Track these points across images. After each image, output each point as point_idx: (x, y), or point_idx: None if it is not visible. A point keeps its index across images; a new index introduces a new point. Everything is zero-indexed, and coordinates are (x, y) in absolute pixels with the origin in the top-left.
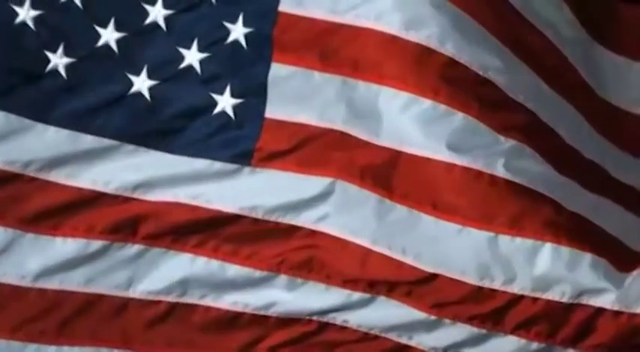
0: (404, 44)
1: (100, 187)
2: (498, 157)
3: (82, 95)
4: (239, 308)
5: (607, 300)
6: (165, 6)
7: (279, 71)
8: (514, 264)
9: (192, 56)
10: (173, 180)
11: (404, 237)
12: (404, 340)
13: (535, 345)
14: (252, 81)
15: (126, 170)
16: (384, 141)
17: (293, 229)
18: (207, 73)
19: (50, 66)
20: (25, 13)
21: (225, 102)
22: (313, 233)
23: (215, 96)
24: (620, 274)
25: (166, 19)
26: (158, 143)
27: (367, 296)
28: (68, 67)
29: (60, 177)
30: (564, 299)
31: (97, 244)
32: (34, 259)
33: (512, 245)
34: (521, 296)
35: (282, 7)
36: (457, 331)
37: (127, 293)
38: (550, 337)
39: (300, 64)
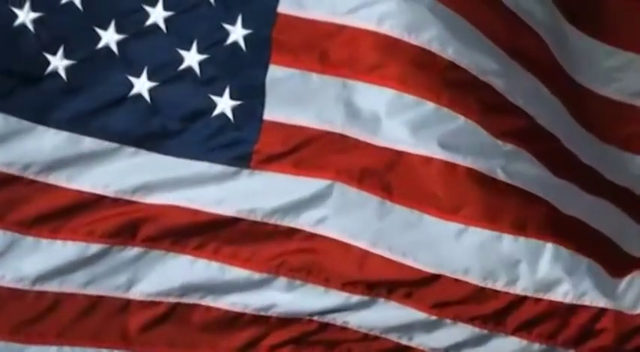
0: (406, 47)
1: (99, 190)
2: (497, 160)
3: (82, 97)
4: (239, 309)
5: (606, 304)
6: (166, 7)
7: (277, 73)
8: (517, 264)
9: (192, 58)
10: (173, 183)
11: (405, 238)
12: (404, 341)
13: (537, 346)
14: (251, 83)
15: (126, 173)
16: (384, 142)
17: (292, 231)
18: (206, 75)
19: (50, 68)
20: (25, 16)
21: (225, 104)
22: (312, 235)
23: (214, 98)
24: (614, 280)
25: (166, 20)
26: (158, 145)
27: (366, 298)
28: (68, 69)
29: (60, 179)
30: (567, 300)
31: (96, 247)
32: (34, 262)
33: (515, 245)
34: (524, 297)
35: (282, 9)
36: (458, 331)
37: (127, 295)
38: (551, 338)
39: (299, 66)
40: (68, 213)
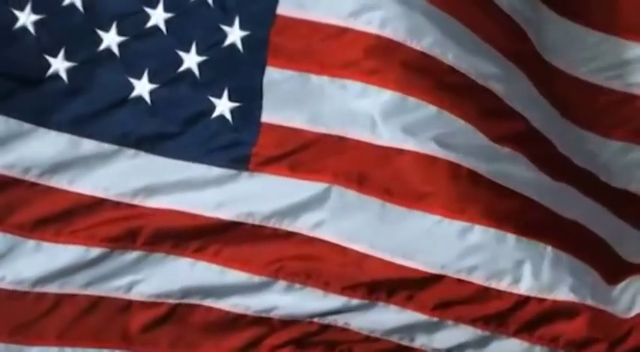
0: (407, 51)
1: (100, 193)
2: (495, 163)
3: (84, 99)
4: (240, 310)
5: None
6: (166, 9)
7: (274, 75)
8: (521, 264)
9: (191, 59)
10: (173, 186)
11: (407, 239)
12: (406, 342)
13: (538, 349)
14: (248, 84)
15: (126, 175)
16: (383, 143)
17: (290, 235)
18: (205, 77)
19: (51, 70)
20: (26, 18)
21: (224, 106)
22: (311, 239)
23: (213, 99)
24: (608, 288)
25: (167, 22)
26: (158, 147)
27: (366, 302)
28: (69, 71)
29: (62, 182)
30: (567, 304)
31: (97, 251)
32: (35, 265)
33: (518, 245)
34: (527, 298)
35: (281, 10)
36: (460, 332)
37: (129, 296)
38: (553, 341)
39: (297, 68)
40: (69, 217)
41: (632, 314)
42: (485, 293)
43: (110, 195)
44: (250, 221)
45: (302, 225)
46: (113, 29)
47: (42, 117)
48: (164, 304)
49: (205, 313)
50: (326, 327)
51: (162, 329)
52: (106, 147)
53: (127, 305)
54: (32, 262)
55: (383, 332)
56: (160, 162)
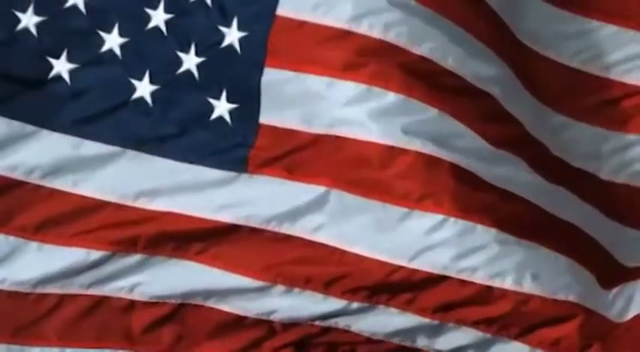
0: (409, 55)
1: (102, 196)
2: (495, 166)
3: (86, 101)
4: (241, 313)
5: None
6: (166, 10)
7: (272, 76)
8: (522, 264)
9: (191, 60)
10: (174, 188)
11: (407, 240)
12: (408, 343)
13: None
14: (246, 86)
15: (128, 178)
16: (384, 143)
17: (290, 239)
18: (203, 78)
19: (54, 72)
20: (28, 19)
21: (222, 107)
22: (310, 243)
23: (212, 101)
24: (603, 291)
25: (167, 22)
26: (159, 149)
27: (366, 305)
28: (72, 73)
29: (65, 184)
30: (568, 301)
31: (99, 254)
32: (37, 267)
33: (520, 246)
34: (528, 299)
35: (281, 11)
36: (462, 335)
37: (131, 296)
38: (554, 345)
39: (296, 69)
40: (72, 219)
41: (625, 319)
42: (487, 294)
43: (113, 197)
44: (250, 224)
45: (301, 229)
46: (115, 30)
47: (45, 119)
48: (166, 304)
49: (207, 313)
50: (327, 329)
51: (164, 329)
52: (109, 148)
53: (130, 305)
54: (34, 264)
55: (384, 335)
56: (162, 163)
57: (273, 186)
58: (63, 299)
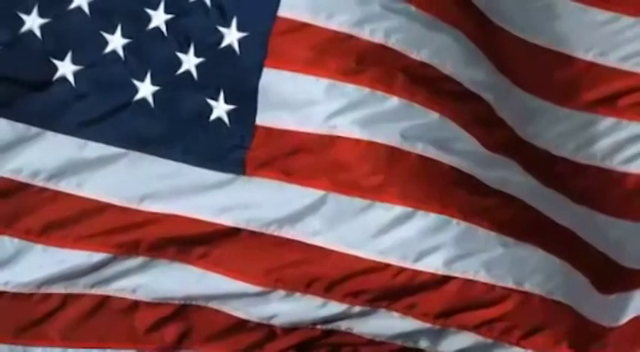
0: (409, 60)
1: (106, 198)
2: (492, 169)
3: (90, 102)
4: (244, 316)
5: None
6: (167, 10)
7: (270, 76)
8: (522, 264)
9: (190, 61)
10: (176, 190)
11: (408, 242)
12: (410, 345)
13: None
14: (244, 87)
15: (131, 180)
16: (384, 144)
17: (289, 242)
18: (202, 79)
19: (58, 74)
20: (32, 22)
21: (221, 108)
22: (310, 246)
23: (211, 102)
24: (600, 296)
25: (167, 23)
26: (160, 150)
27: (368, 308)
28: (76, 75)
29: (70, 186)
30: (564, 304)
31: (102, 256)
32: (41, 269)
33: (519, 247)
34: (529, 299)
35: (282, 12)
36: (463, 339)
37: (134, 296)
38: (555, 347)
39: (296, 70)
40: (76, 222)
41: (619, 323)
42: (489, 295)
43: (116, 199)
44: (250, 227)
45: (300, 232)
46: (118, 31)
47: (49, 120)
48: (169, 304)
49: (210, 315)
50: (329, 332)
51: (168, 328)
52: (112, 150)
53: (133, 305)
54: (39, 265)
55: (387, 337)
56: (163, 165)
57: (272, 189)
58: (67, 299)
